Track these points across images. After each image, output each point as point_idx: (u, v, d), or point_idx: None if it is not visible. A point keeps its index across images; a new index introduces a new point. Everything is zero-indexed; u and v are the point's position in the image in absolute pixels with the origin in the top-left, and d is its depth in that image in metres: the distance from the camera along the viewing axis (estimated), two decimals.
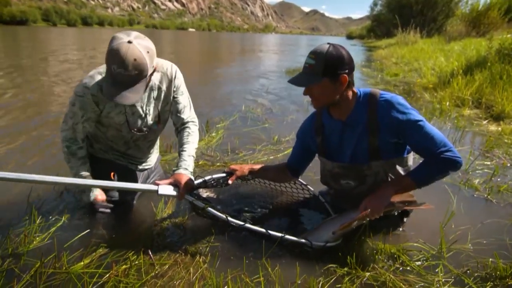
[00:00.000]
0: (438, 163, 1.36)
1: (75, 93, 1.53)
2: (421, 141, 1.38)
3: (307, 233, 1.57)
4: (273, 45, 29.20)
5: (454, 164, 1.35)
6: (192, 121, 1.82)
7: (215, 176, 1.76)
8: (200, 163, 2.48)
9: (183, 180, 1.54)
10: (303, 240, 1.47)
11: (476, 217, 1.85)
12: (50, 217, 1.72)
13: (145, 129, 1.70)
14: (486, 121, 3.81)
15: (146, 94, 1.64)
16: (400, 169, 1.52)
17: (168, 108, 1.75)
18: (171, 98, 1.73)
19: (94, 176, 1.65)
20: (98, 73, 1.53)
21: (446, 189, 2.15)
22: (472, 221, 1.79)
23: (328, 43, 1.38)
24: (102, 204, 1.69)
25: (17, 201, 1.86)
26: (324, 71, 1.35)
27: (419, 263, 1.47)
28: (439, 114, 4.12)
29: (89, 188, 1.66)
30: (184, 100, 1.77)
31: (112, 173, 1.67)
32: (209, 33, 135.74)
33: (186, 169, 1.62)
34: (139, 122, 1.66)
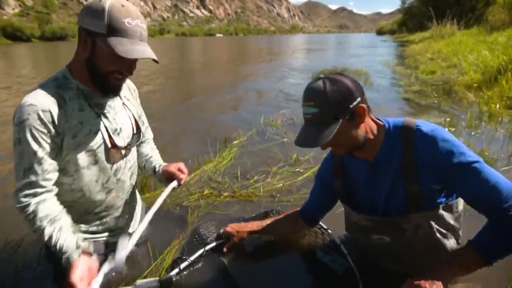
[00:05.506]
0: (509, 225, 0.95)
1: (17, 123, 1.08)
2: (478, 191, 0.99)
3: None
4: (299, 45, 28.62)
5: None
6: (152, 139, 1.65)
7: (207, 247, 1.50)
8: (205, 192, 2.18)
9: (180, 165, 1.49)
10: None
11: None
12: None
13: (124, 144, 1.32)
14: None
15: (119, 102, 1.33)
16: (449, 218, 1.13)
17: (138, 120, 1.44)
18: (137, 111, 1.45)
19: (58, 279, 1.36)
20: (41, 87, 1.14)
21: None
22: None
23: (319, 78, 1.05)
24: None
25: None
26: (335, 114, 1.01)
27: None
28: (487, 118, 3.56)
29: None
30: (145, 118, 1.56)
31: None
32: (237, 37, 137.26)
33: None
34: (116, 138, 1.28)
